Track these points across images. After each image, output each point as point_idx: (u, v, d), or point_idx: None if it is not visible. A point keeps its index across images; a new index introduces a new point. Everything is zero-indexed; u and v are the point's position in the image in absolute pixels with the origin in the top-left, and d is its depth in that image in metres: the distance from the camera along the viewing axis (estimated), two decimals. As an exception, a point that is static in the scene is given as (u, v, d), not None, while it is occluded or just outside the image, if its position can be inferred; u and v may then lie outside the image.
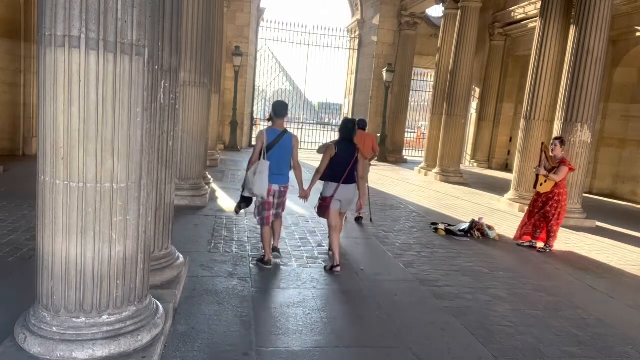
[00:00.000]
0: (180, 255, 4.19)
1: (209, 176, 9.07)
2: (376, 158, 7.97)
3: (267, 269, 4.78)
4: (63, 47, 2.42)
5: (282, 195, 4.90)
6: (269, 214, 4.82)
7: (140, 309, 2.84)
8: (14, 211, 5.98)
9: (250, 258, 5.06)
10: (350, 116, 19.31)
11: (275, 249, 5.15)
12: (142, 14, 2.56)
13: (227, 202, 7.95)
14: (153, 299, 3.10)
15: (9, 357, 2.57)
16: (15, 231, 5.19)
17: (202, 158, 7.81)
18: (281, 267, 4.89)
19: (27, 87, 10.73)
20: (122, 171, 2.61)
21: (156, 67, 2.88)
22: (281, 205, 4.98)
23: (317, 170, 4.98)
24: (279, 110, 4.79)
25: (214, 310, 3.71)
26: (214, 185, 8.99)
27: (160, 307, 3.13)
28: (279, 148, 4.73)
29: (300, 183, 5.00)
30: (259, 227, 5.04)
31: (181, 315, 3.55)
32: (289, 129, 4.89)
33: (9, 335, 2.72)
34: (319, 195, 5.01)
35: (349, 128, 5.05)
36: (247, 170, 4.78)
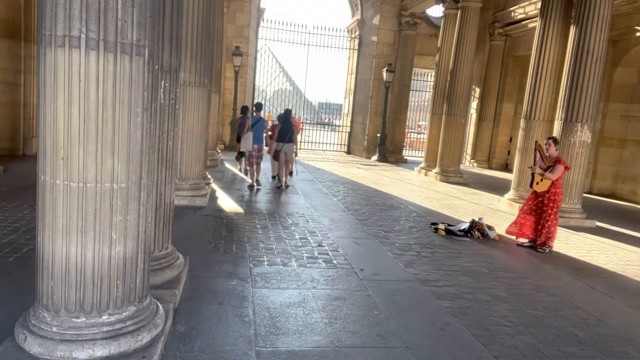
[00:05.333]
0: (180, 255, 4.19)
1: (209, 176, 9.08)
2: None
3: (251, 190, 9.22)
4: (63, 47, 2.42)
5: (259, 150, 9.49)
6: (253, 161, 9.46)
7: (140, 309, 2.84)
8: (14, 211, 5.98)
9: (250, 258, 5.07)
10: (350, 116, 19.91)
11: (257, 182, 9.55)
12: (142, 14, 2.56)
13: (227, 202, 7.95)
14: (153, 299, 3.10)
15: (9, 357, 2.57)
16: (15, 231, 5.19)
17: (202, 158, 7.82)
18: (281, 267, 4.89)
19: (27, 87, 10.73)
20: (122, 171, 2.61)
21: (156, 67, 2.88)
22: (260, 157, 9.55)
23: (271, 138, 9.66)
24: (259, 107, 9.97)
25: (214, 310, 3.71)
26: (214, 185, 9.00)
27: (160, 307, 3.13)
28: (258, 127, 9.51)
29: (269, 145, 9.71)
30: (246, 185, 9.82)
31: (181, 315, 3.55)
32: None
33: (9, 335, 2.72)
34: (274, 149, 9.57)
35: (288, 116, 9.68)
36: (240, 139, 10.01)
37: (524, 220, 6.69)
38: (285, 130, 9.43)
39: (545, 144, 6.54)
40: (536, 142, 6.77)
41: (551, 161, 6.42)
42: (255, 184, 9.45)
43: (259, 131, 9.49)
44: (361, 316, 3.90)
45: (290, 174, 10.56)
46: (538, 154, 6.52)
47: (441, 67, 14.31)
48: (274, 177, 10.42)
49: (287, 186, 9.60)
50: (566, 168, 6.53)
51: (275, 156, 9.59)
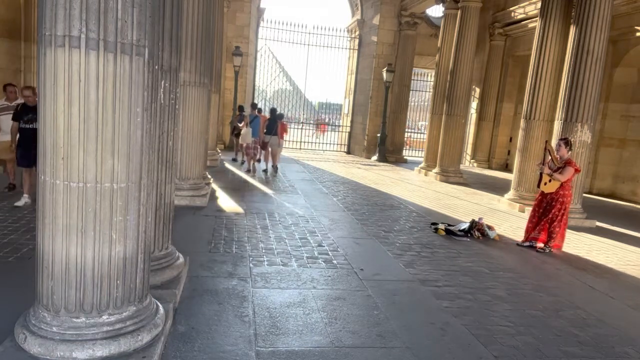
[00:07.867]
0: (180, 255, 4.19)
1: (209, 176, 9.08)
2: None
3: (249, 174, 11.43)
4: (63, 47, 2.42)
5: (255, 143, 12.01)
6: (250, 152, 11.91)
7: (140, 309, 2.84)
8: (14, 211, 5.98)
9: (250, 258, 5.06)
10: (350, 116, 20.02)
11: (249, 169, 11.78)
12: (142, 14, 2.56)
13: (227, 202, 7.95)
14: (153, 299, 3.10)
15: (9, 357, 2.57)
16: (15, 231, 5.19)
17: (202, 158, 7.81)
18: (281, 267, 4.89)
19: (27, 87, 10.71)
20: (122, 171, 2.61)
21: (156, 67, 2.88)
22: (256, 149, 12.09)
23: (262, 130, 11.92)
24: (254, 107, 13.14)
25: (214, 310, 3.71)
26: (214, 185, 9.00)
27: (160, 307, 3.13)
28: (254, 123, 12.10)
29: (262, 138, 11.95)
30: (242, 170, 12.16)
31: (181, 315, 3.55)
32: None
33: (9, 335, 2.72)
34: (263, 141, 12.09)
35: (273, 115, 12.14)
36: (238, 133, 12.76)
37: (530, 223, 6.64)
38: (271, 126, 12.02)
39: (557, 145, 6.47)
40: (546, 142, 6.68)
41: (562, 162, 6.34)
42: (251, 169, 11.96)
43: (255, 127, 12.05)
44: (361, 316, 3.90)
45: (275, 168, 12.59)
46: (548, 154, 6.44)
47: (441, 67, 14.31)
48: (258, 160, 12.99)
49: (265, 171, 12.05)
50: (576, 170, 6.42)
51: (263, 146, 12.24)
